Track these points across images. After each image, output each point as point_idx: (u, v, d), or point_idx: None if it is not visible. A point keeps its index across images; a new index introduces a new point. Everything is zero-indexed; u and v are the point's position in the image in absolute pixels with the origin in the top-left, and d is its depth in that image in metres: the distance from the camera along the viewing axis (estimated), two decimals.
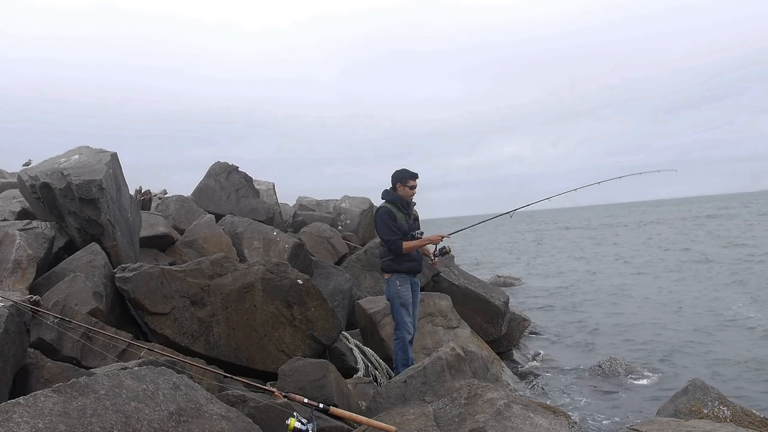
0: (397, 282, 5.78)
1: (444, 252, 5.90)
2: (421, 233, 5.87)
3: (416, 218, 6.00)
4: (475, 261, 29.27)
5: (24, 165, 8.50)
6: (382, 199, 6.03)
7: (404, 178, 5.87)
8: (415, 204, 6.05)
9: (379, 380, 6.19)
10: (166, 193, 13.93)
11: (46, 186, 6.56)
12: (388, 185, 6.01)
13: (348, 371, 6.01)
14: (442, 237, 5.84)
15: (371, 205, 14.20)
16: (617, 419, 6.57)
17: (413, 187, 5.87)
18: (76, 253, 6.14)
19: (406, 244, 5.70)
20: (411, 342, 5.94)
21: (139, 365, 3.51)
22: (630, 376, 7.61)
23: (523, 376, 8.28)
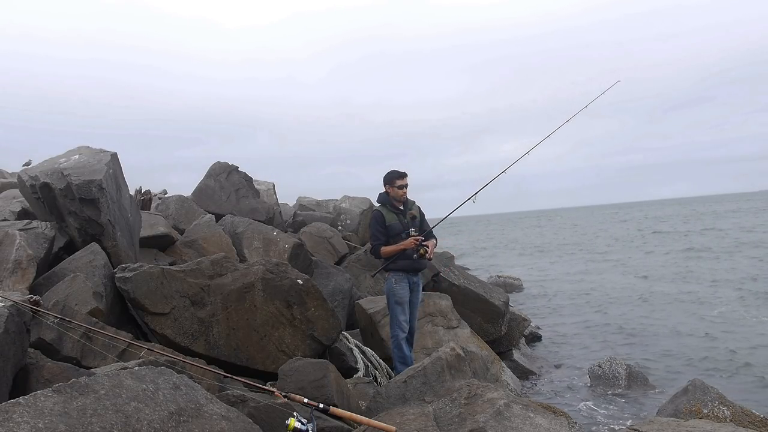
0: (393, 280, 5.82)
1: (421, 255, 5.70)
2: (416, 231, 5.88)
3: (414, 216, 6.00)
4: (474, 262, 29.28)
5: (24, 165, 8.51)
6: (377, 202, 6.16)
7: (392, 179, 5.96)
8: (414, 202, 6.08)
9: (379, 380, 6.19)
10: (166, 193, 13.94)
11: (46, 186, 6.55)
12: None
13: (348, 371, 6.01)
14: (417, 241, 5.71)
15: (371, 205, 14.24)
16: (617, 419, 6.57)
17: (401, 186, 5.93)
18: (76, 253, 6.14)
19: (384, 250, 5.79)
20: (410, 341, 5.95)
21: (139, 365, 3.51)
22: (630, 376, 7.61)
23: (523, 376, 8.28)
